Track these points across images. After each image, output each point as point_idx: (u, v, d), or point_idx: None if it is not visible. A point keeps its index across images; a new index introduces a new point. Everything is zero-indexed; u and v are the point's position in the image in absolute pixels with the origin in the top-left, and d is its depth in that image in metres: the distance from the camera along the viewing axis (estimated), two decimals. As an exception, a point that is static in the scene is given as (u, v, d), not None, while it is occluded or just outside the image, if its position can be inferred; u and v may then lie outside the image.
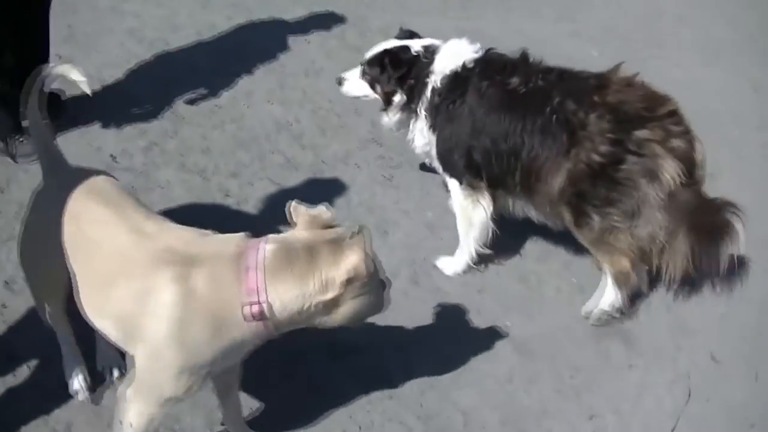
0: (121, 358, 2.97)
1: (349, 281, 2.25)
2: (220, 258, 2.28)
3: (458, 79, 3.71)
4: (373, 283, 2.36)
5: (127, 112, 4.58)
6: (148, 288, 2.26)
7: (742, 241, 3.41)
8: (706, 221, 3.44)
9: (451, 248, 3.95)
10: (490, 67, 3.73)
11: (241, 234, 2.40)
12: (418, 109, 3.81)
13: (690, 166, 3.39)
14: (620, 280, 3.63)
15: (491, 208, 3.79)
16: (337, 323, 2.36)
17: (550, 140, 3.46)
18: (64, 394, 2.98)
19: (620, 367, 3.61)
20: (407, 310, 3.57)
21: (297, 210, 2.39)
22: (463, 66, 3.73)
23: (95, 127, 4.44)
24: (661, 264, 3.54)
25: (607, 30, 5.98)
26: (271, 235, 2.36)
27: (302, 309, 2.27)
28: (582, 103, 3.45)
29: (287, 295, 2.25)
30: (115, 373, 3.06)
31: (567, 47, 5.67)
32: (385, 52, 3.89)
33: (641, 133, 3.34)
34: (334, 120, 4.84)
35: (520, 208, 3.82)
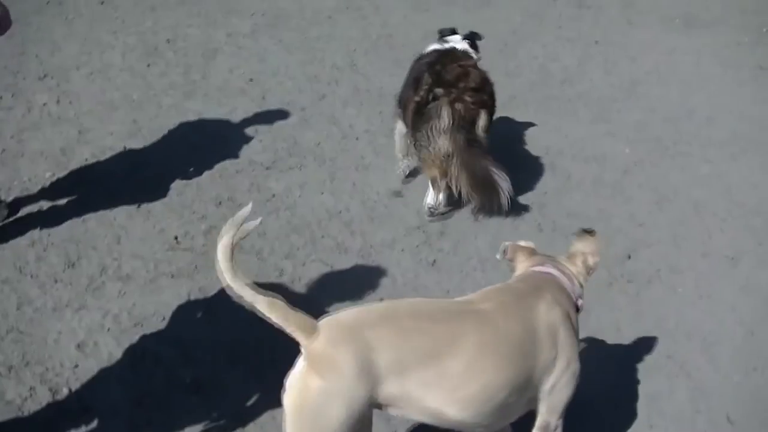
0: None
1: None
2: (551, 284, 3.08)
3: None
4: None
5: (188, 199, 4.95)
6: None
7: (505, 189, 4.75)
8: (471, 159, 4.78)
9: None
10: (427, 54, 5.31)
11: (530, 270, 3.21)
12: None
13: (465, 121, 4.77)
14: (434, 184, 5.00)
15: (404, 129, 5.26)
16: None
17: (411, 89, 5.02)
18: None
19: (642, 428, 3.78)
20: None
21: (516, 248, 3.34)
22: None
23: (159, 210, 4.81)
24: (451, 178, 4.84)
25: (640, 130, 6.27)
26: (547, 266, 3.21)
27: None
28: (430, 71, 4.92)
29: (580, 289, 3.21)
30: None
31: (602, 145, 5.98)
32: None
33: (438, 90, 4.79)
34: (381, 209, 5.13)
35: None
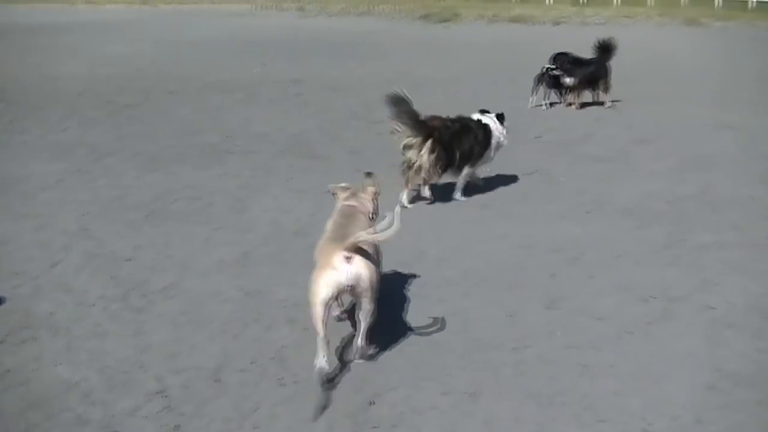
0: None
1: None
2: (356, 211, 5.52)
3: None
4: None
5: None
6: None
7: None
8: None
9: None
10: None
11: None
12: None
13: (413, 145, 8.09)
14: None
15: None
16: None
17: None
18: None
19: None
20: None
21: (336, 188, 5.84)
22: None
23: None
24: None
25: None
26: (352, 200, 5.65)
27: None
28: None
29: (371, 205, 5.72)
30: None
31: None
32: None
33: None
34: (121, 376, 5.02)
35: None
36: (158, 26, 31.87)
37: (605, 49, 14.06)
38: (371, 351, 5.21)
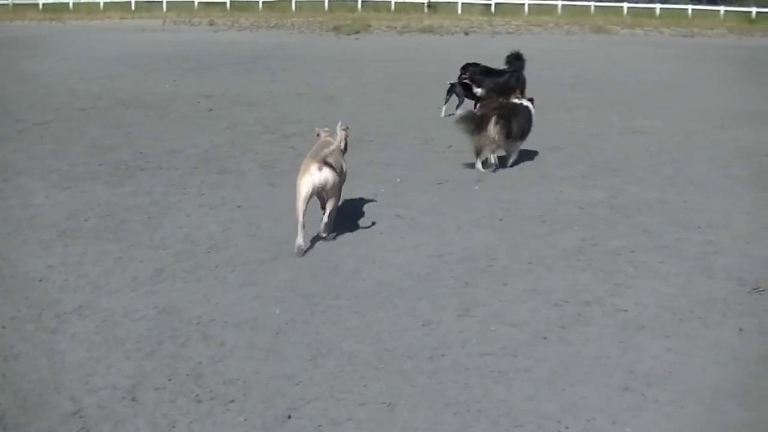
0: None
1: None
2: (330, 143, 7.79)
3: None
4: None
5: None
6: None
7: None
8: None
9: None
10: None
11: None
12: None
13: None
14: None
15: None
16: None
17: None
18: None
19: None
20: None
21: (320, 132, 8.25)
22: None
23: None
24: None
25: (289, 289, 6.57)
26: (328, 138, 7.97)
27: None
28: None
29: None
30: None
31: (253, 308, 6.21)
32: None
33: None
34: (34, 398, 4.95)
35: None
36: (68, 42, 31.36)
37: (516, 59, 14.34)
38: (331, 233, 7.71)
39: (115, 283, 6.60)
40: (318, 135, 8.21)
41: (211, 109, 15.19)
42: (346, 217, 8.22)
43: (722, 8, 52.48)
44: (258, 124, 13.67)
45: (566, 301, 6.32)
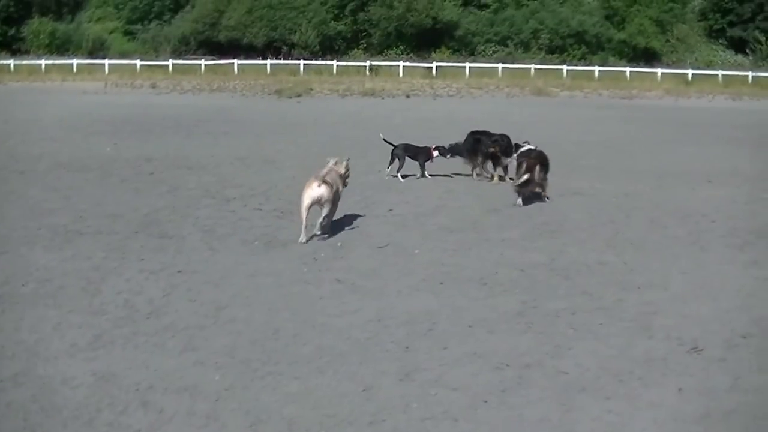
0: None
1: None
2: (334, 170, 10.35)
3: None
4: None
5: None
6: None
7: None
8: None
9: None
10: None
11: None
12: None
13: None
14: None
15: None
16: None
17: None
18: None
19: None
20: None
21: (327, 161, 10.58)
22: None
23: None
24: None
25: (228, 354, 6.58)
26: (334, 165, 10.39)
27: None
28: None
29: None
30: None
31: (192, 374, 6.20)
32: None
33: None
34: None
35: None
36: (8, 104, 31.17)
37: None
38: (325, 234, 10.08)
39: (53, 350, 6.53)
40: (328, 161, 10.46)
41: (152, 173, 15.16)
42: (286, 281, 8.26)
43: (659, 70, 53.99)
44: (198, 188, 13.67)
45: (507, 364, 6.38)
